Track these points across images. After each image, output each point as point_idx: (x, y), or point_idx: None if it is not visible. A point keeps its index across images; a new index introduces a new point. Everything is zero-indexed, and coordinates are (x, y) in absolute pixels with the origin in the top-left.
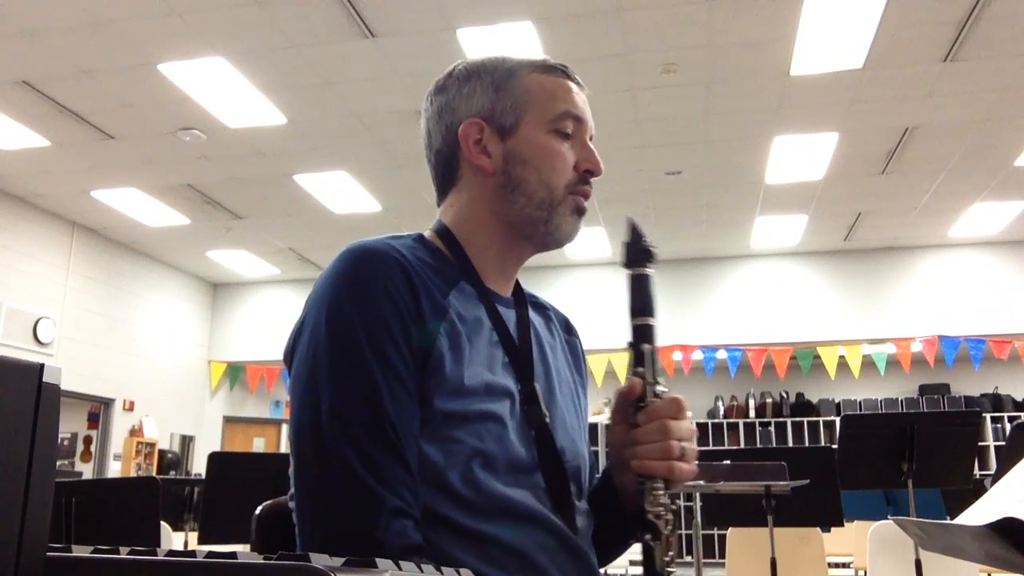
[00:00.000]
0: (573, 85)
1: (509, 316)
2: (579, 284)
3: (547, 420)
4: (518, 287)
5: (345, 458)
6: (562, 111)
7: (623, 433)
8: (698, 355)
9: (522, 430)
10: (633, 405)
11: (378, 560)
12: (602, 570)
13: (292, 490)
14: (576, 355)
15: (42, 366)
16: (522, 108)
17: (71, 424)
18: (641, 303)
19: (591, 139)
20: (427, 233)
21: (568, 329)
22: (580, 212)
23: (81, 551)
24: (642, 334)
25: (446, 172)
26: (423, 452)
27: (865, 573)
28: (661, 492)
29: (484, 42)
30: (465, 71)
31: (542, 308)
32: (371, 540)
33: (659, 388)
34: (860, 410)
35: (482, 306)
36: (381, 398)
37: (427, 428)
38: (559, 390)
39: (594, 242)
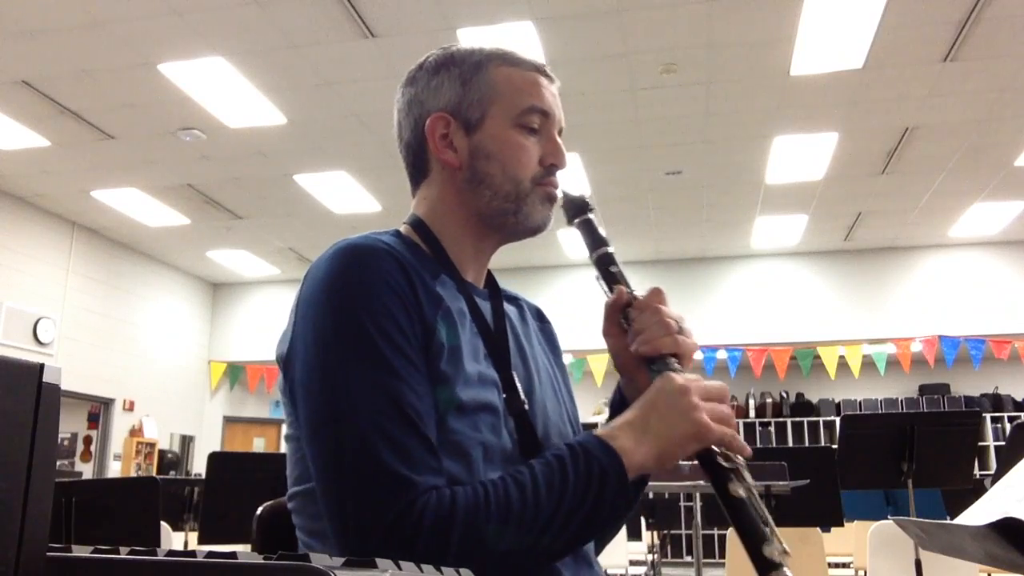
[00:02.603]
0: (542, 78)
1: (485, 307)
2: (575, 285)
3: (526, 407)
4: (490, 278)
5: (374, 448)
6: (528, 106)
7: (620, 337)
8: (698, 355)
9: (505, 419)
10: (621, 313)
11: (378, 560)
12: (601, 572)
13: (290, 491)
14: (552, 342)
15: (42, 366)
16: (488, 103)
17: (71, 424)
18: (595, 240)
19: (560, 132)
20: (403, 228)
21: (540, 317)
22: (551, 200)
23: (81, 551)
24: (607, 260)
25: (416, 165)
26: None
27: (865, 573)
28: (678, 368)
29: (484, 42)
30: (434, 64)
31: (513, 299)
32: (410, 526)
33: (638, 293)
34: (860, 410)
35: (462, 298)
36: (400, 383)
37: None
38: (538, 378)
39: None
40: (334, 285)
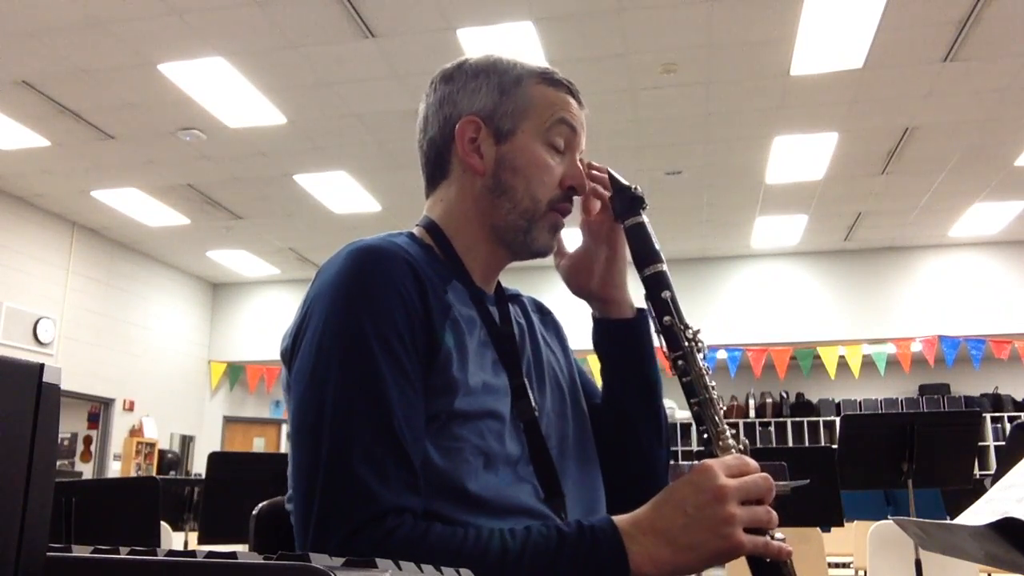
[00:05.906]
0: (574, 101)
1: (495, 314)
2: None
3: (536, 414)
4: (499, 285)
5: (348, 457)
6: (558, 117)
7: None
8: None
9: (514, 425)
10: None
11: (378, 560)
12: None
13: (290, 491)
14: (557, 333)
15: (42, 366)
16: (521, 116)
17: (71, 424)
18: (648, 252)
19: (581, 160)
20: (416, 231)
21: (540, 310)
22: (556, 229)
23: (81, 551)
24: (660, 282)
25: (437, 163)
26: (426, 451)
27: (865, 573)
28: (726, 438)
29: (484, 42)
30: (475, 67)
31: (515, 298)
32: (374, 543)
33: (691, 330)
34: (860, 410)
35: (472, 305)
36: (389, 395)
37: (431, 427)
38: (547, 382)
39: None
40: (343, 287)
